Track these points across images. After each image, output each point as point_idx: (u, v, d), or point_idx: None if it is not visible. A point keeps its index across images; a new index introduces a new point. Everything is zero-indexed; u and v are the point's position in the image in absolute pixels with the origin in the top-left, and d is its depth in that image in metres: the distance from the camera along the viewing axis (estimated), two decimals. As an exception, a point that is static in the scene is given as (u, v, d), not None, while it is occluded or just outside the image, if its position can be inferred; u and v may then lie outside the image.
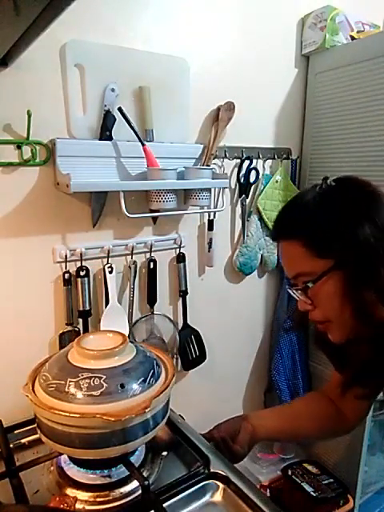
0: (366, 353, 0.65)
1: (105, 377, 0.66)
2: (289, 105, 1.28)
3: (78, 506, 0.67)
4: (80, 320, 0.98)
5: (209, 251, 1.19)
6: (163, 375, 0.74)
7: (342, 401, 0.84)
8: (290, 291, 0.69)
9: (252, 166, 1.20)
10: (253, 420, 0.86)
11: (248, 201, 1.23)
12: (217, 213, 1.17)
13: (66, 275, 0.94)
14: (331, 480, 1.31)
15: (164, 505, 0.66)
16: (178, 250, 1.14)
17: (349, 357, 0.71)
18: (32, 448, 0.82)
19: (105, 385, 0.65)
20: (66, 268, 0.95)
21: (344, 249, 0.59)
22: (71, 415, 0.62)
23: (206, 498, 0.72)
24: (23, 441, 0.83)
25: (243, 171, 1.20)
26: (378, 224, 0.59)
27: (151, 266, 1.07)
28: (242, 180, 1.20)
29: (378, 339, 0.62)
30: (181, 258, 1.13)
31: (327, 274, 0.61)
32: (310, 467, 1.35)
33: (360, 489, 1.32)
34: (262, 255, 1.29)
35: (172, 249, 1.13)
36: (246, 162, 1.20)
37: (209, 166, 1.09)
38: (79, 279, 0.96)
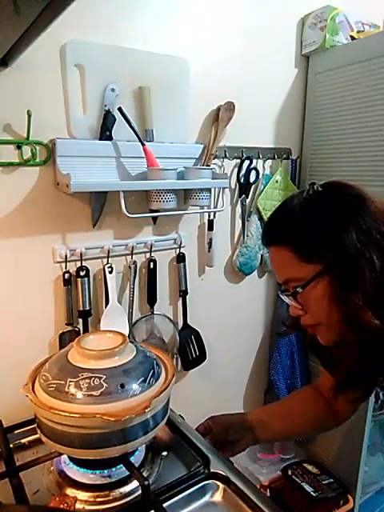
0: (354, 357, 0.65)
1: (105, 377, 0.66)
2: (289, 105, 1.28)
3: (78, 505, 0.67)
4: (80, 320, 0.98)
5: (209, 251, 1.18)
6: (163, 375, 0.74)
7: (334, 400, 0.85)
8: (281, 296, 0.69)
9: (252, 166, 1.20)
10: (258, 431, 0.86)
11: (248, 201, 1.23)
12: (217, 213, 1.17)
13: (66, 275, 0.94)
14: (331, 480, 1.31)
15: (164, 505, 0.66)
16: (178, 249, 1.14)
17: (339, 361, 0.71)
18: (32, 448, 0.82)
19: (105, 385, 0.65)
20: (66, 268, 0.95)
21: (331, 254, 0.60)
22: (71, 415, 0.62)
23: (206, 498, 0.72)
24: (23, 441, 0.83)
25: (243, 171, 1.20)
26: (364, 228, 0.59)
27: (151, 266, 1.07)
28: (242, 180, 1.20)
29: (365, 343, 0.61)
30: (181, 258, 1.13)
31: (315, 279, 0.61)
32: (309, 467, 1.35)
33: (360, 489, 1.32)
34: (261, 255, 1.29)
35: (172, 249, 1.13)
36: (246, 162, 1.20)
37: (209, 165, 1.09)
38: (79, 279, 0.96)
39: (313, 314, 0.65)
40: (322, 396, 0.89)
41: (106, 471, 0.72)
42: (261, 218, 1.26)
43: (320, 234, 0.60)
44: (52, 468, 0.75)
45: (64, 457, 0.75)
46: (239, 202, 1.23)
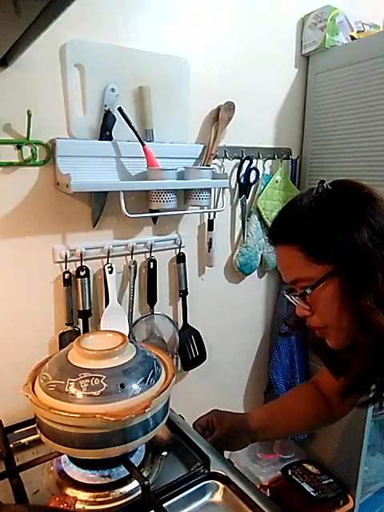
0: (365, 360, 0.63)
1: (105, 377, 0.66)
2: (289, 105, 1.28)
3: (78, 506, 0.67)
4: (80, 320, 0.98)
5: (209, 251, 1.18)
6: (163, 375, 0.74)
7: (333, 398, 0.84)
8: (287, 297, 0.67)
9: (252, 166, 1.20)
10: (258, 435, 0.86)
11: (248, 201, 1.23)
12: (217, 213, 1.16)
13: (66, 275, 0.94)
14: (331, 480, 1.31)
15: (164, 505, 0.66)
16: (178, 249, 1.14)
17: (347, 364, 0.69)
18: (32, 448, 0.82)
19: (105, 385, 0.65)
20: (66, 268, 0.95)
21: (342, 254, 0.58)
22: (71, 415, 0.62)
23: (206, 498, 0.72)
24: (23, 441, 0.83)
25: (243, 171, 1.20)
26: (376, 228, 0.58)
27: (151, 266, 1.07)
28: (242, 180, 1.20)
29: (376, 346, 0.60)
30: (181, 258, 1.13)
31: (325, 279, 0.60)
32: (310, 467, 1.36)
33: (360, 489, 1.32)
34: (261, 255, 1.29)
35: (172, 249, 1.13)
36: (246, 162, 1.20)
37: (209, 165, 1.09)
38: (79, 279, 0.96)
39: (321, 316, 0.64)
40: (321, 394, 0.88)
41: (106, 471, 0.72)
42: (261, 218, 1.26)
43: (331, 234, 0.59)
44: (52, 468, 0.75)
45: (64, 457, 0.75)
46: (239, 202, 1.22)
